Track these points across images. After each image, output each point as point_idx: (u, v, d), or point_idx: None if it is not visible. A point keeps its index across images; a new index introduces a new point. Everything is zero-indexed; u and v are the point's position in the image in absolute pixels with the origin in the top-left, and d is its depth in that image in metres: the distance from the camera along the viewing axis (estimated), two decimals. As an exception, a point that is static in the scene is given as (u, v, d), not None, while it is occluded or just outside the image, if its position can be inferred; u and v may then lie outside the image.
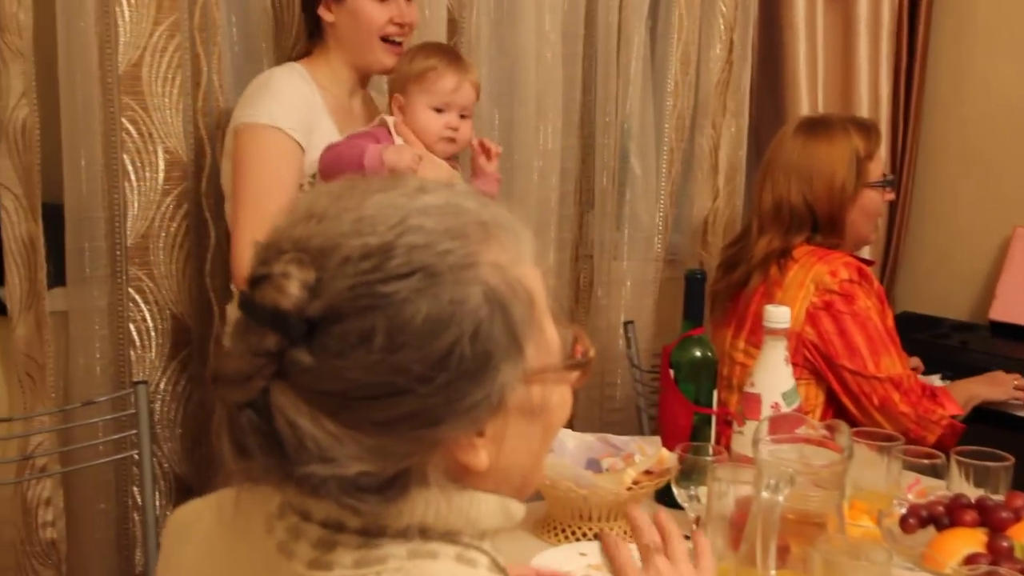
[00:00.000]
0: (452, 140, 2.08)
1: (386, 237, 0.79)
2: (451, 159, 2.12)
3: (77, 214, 2.09)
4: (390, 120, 2.05)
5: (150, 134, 2.13)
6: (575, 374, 0.90)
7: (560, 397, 0.89)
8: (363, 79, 2.18)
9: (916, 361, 2.57)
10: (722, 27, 2.85)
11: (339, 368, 0.78)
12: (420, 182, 0.86)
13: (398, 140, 2.03)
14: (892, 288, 3.18)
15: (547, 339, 0.86)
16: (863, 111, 2.99)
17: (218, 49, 2.20)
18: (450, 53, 2.11)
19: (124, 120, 2.11)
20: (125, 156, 2.11)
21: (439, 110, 2.06)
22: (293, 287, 0.78)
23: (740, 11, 2.88)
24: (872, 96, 3.03)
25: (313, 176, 2.01)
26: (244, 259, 1.94)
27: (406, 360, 0.77)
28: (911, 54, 3.10)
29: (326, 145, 2.00)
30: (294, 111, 2.00)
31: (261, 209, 1.94)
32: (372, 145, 1.95)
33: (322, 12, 2.10)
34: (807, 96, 2.93)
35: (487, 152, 2.15)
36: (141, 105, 2.12)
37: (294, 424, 0.78)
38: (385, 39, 2.10)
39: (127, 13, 2.08)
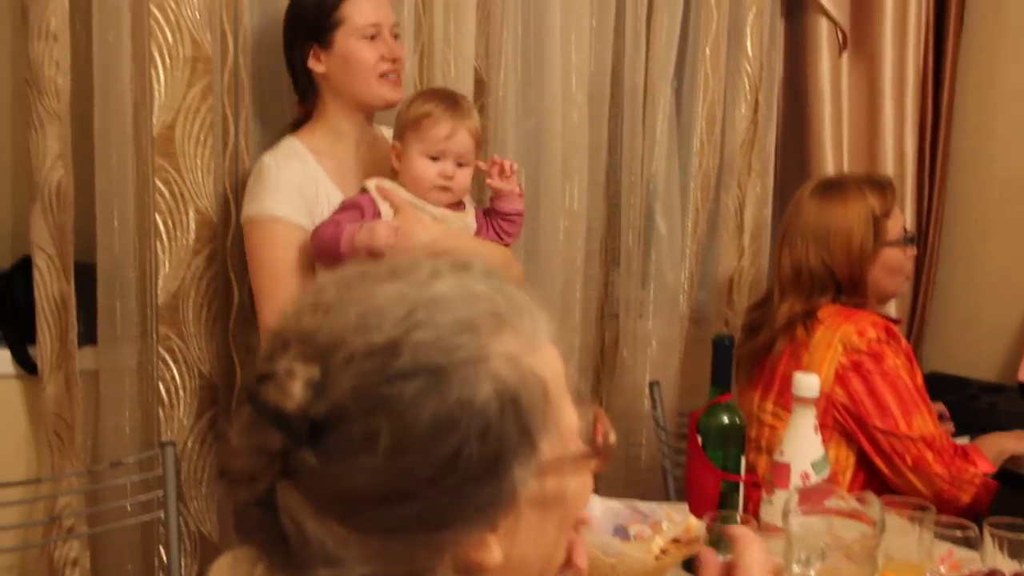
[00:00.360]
0: (447, 189, 2.06)
1: (392, 334, 0.77)
2: (457, 203, 2.11)
3: (109, 273, 2.12)
4: (371, 184, 2.04)
5: (182, 194, 2.16)
6: (594, 462, 0.87)
7: (578, 485, 0.86)
8: (368, 118, 2.18)
9: (940, 407, 2.55)
10: (747, 87, 2.87)
11: (343, 471, 0.76)
12: (433, 267, 0.83)
13: (382, 205, 2.01)
14: (919, 348, 3.16)
15: (563, 427, 0.83)
16: (888, 170, 2.99)
17: (246, 111, 2.24)
18: (448, 99, 2.08)
19: (157, 181, 2.14)
20: (157, 216, 2.14)
21: (434, 158, 2.04)
22: (296, 388, 0.76)
23: (765, 71, 2.90)
24: (897, 155, 3.03)
25: None
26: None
27: (411, 464, 0.75)
28: (936, 113, 3.10)
29: (330, 213, 2.03)
30: (288, 194, 2.03)
31: (278, 300, 2.01)
32: (347, 228, 1.94)
33: (312, 64, 2.12)
34: (832, 155, 2.94)
35: (502, 170, 2.12)
36: (174, 166, 2.15)
37: (300, 525, 0.76)
38: (382, 76, 2.11)
39: (162, 76, 2.12)
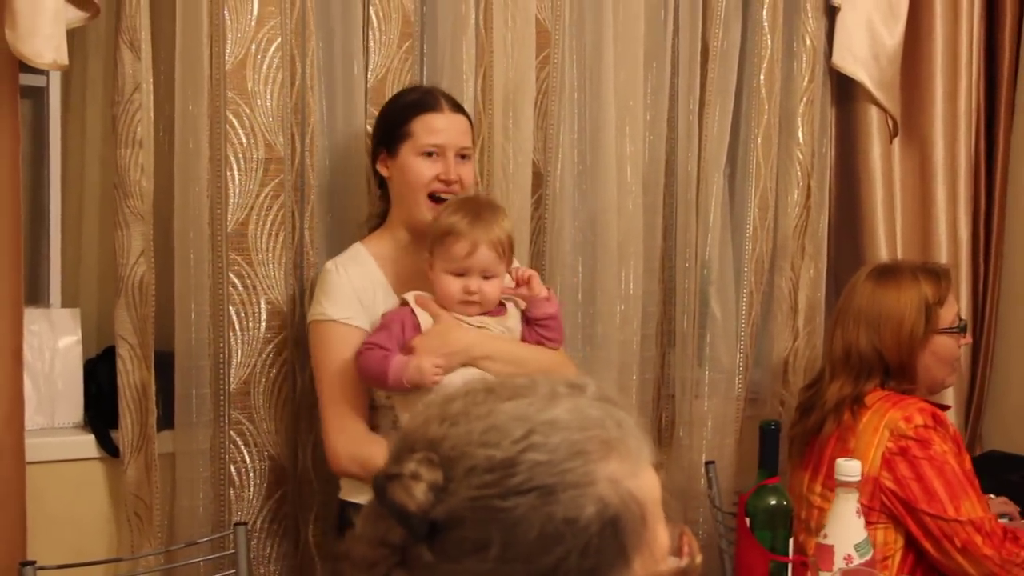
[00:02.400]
0: (473, 303, 2.08)
1: (510, 452, 0.85)
2: (499, 308, 2.13)
3: (186, 362, 2.23)
4: (411, 297, 2.09)
5: (254, 287, 2.29)
6: None
7: None
8: (423, 237, 2.18)
9: (1007, 507, 2.55)
10: (799, 173, 2.94)
11: (455, 570, 0.84)
12: (551, 388, 0.91)
13: (422, 316, 2.07)
14: (978, 427, 3.17)
15: (656, 546, 0.89)
16: (942, 254, 3.03)
17: (311, 206, 2.36)
18: (471, 212, 2.07)
19: (231, 274, 2.27)
20: (231, 307, 2.27)
21: (458, 274, 2.06)
22: (420, 490, 0.85)
23: (817, 158, 2.98)
24: (951, 239, 3.07)
25: None
26: (331, 443, 2.11)
27: (516, 572, 0.83)
28: (989, 197, 3.14)
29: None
30: (345, 299, 2.13)
31: (336, 397, 2.11)
32: (395, 361, 2.00)
33: (379, 167, 2.22)
34: (885, 240, 2.98)
35: (519, 280, 2.14)
36: (247, 260, 2.28)
37: None
38: (432, 196, 2.16)
39: (236, 176, 2.26)
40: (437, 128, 2.17)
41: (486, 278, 2.08)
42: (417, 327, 2.06)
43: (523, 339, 2.16)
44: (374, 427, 2.15)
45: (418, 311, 2.08)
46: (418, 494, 0.85)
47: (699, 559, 0.95)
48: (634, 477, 0.88)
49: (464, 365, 2.06)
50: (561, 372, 2.17)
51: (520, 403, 0.89)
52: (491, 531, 0.83)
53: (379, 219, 2.30)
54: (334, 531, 2.26)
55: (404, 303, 2.10)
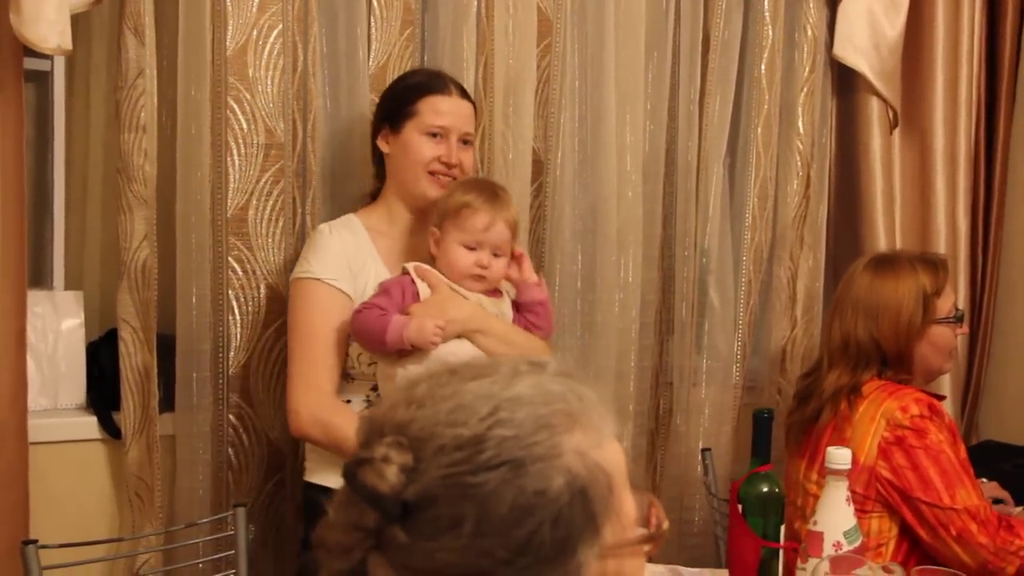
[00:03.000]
0: (482, 277, 2.11)
1: (478, 429, 0.87)
2: (495, 291, 2.17)
3: (187, 345, 2.26)
4: (410, 266, 2.12)
5: (254, 271, 2.31)
6: (648, 545, 0.95)
7: (633, 566, 0.94)
8: (420, 215, 2.24)
9: (999, 491, 2.57)
10: (799, 163, 2.96)
11: (430, 549, 0.85)
12: (513, 367, 0.93)
13: (421, 286, 2.09)
14: (975, 417, 3.19)
15: (623, 514, 0.92)
16: (941, 244, 3.04)
17: (313, 192, 2.38)
18: (487, 190, 2.13)
19: (231, 259, 2.29)
20: (230, 292, 2.29)
21: (471, 247, 2.10)
22: (391, 472, 0.86)
23: (816, 148, 2.99)
24: (950, 230, 3.08)
25: None
26: (293, 402, 2.10)
27: (491, 545, 0.85)
28: (989, 188, 3.15)
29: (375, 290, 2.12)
30: (334, 261, 2.14)
31: (308, 355, 2.10)
32: (394, 320, 2.02)
33: (380, 143, 2.24)
34: (884, 230, 2.99)
35: (518, 261, 2.18)
36: (246, 245, 2.31)
37: None
38: (431, 174, 2.19)
39: (236, 162, 2.28)
40: (443, 111, 2.20)
41: (496, 256, 2.12)
42: (416, 296, 2.09)
43: (513, 323, 2.19)
44: (346, 401, 2.15)
45: (418, 281, 2.10)
46: (390, 476, 0.86)
47: (666, 525, 0.97)
48: (599, 448, 0.90)
49: (459, 337, 2.07)
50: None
51: (484, 382, 0.91)
52: (464, 507, 0.85)
53: (371, 197, 2.32)
54: (299, 514, 2.29)
55: (405, 272, 2.12)
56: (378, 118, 2.27)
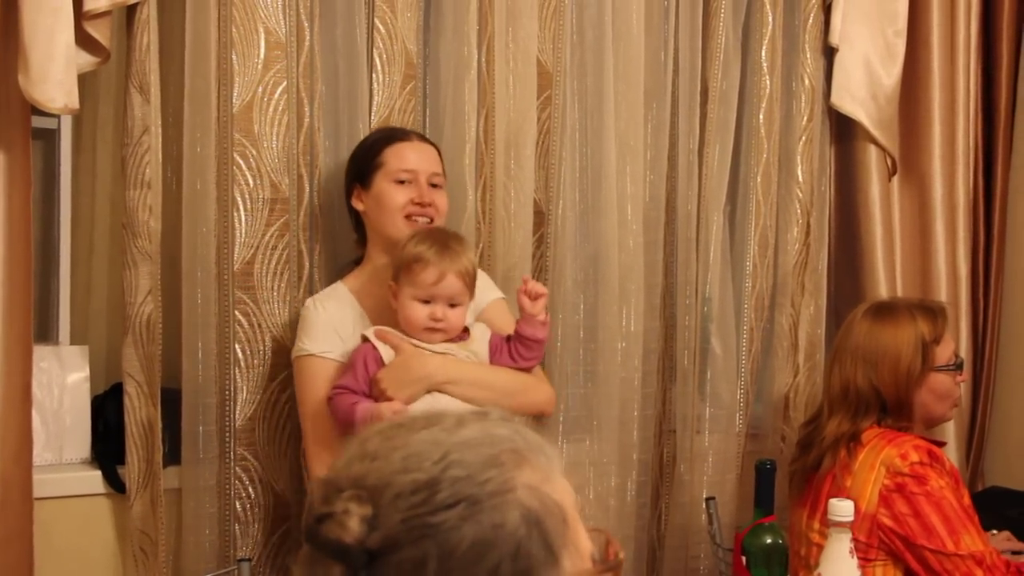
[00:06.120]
0: (437, 330, 2.12)
1: (432, 472, 0.89)
2: (462, 332, 2.17)
3: (193, 399, 2.27)
4: (370, 333, 2.14)
5: (259, 325, 2.33)
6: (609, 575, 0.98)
7: None
8: None
9: (1014, 543, 2.56)
10: (798, 211, 2.98)
11: None
12: (457, 417, 0.97)
13: (383, 350, 2.11)
14: (980, 463, 3.18)
15: (580, 546, 0.94)
16: (942, 291, 3.06)
17: (319, 246, 2.41)
18: (439, 242, 2.13)
19: (237, 313, 2.31)
20: (237, 345, 2.31)
21: (425, 301, 2.11)
22: (353, 523, 0.88)
23: (816, 195, 3.01)
24: (951, 276, 3.09)
25: None
26: (314, 472, 2.14)
27: None
28: (988, 233, 3.17)
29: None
30: (322, 334, 2.19)
31: (320, 429, 2.14)
32: (359, 410, 2.04)
33: (354, 203, 2.28)
34: (885, 276, 3.01)
35: (530, 293, 2.18)
36: (252, 299, 2.32)
37: None
38: (408, 217, 2.22)
39: (243, 216, 2.31)
40: (407, 155, 2.25)
41: (452, 306, 2.13)
42: (380, 361, 2.10)
43: (493, 357, 2.20)
44: None
45: (379, 345, 2.12)
46: (353, 527, 0.88)
47: (622, 556, 1.00)
48: (549, 483, 0.93)
49: (429, 391, 2.09)
50: (528, 393, 2.22)
51: (432, 431, 0.94)
52: (426, 547, 0.87)
53: (356, 263, 2.35)
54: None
55: (365, 340, 2.14)
56: (348, 181, 2.31)
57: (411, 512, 0.88)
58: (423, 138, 2.34)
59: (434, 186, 2.26)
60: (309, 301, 2.25)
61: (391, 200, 2.22)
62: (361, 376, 2.09)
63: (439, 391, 2.09)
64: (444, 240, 2.14)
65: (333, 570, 0.89)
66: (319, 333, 2.19)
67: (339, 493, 0.91)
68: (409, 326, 2.13)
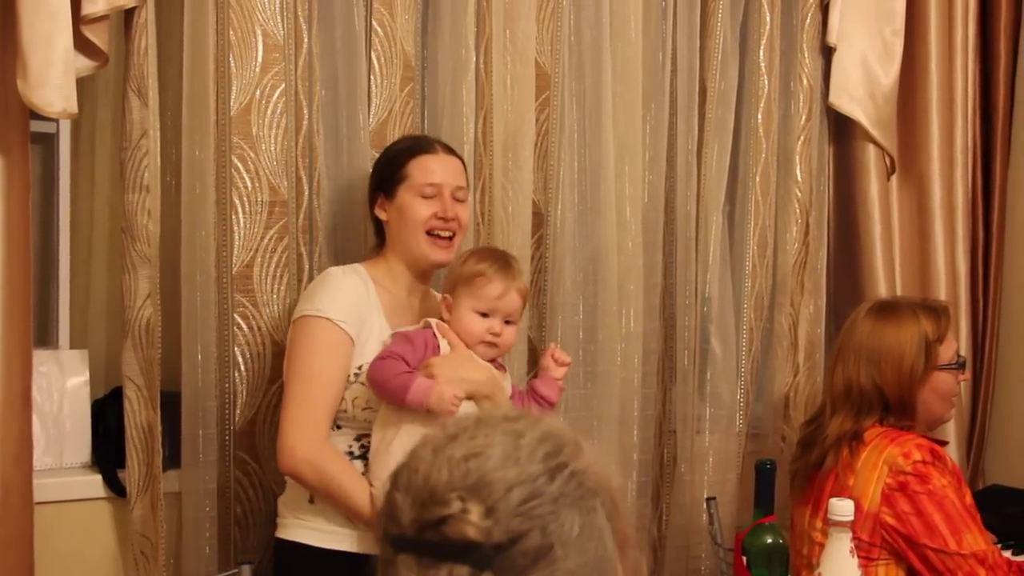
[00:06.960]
0: (494, 344, 2.14)
1: (532, 464, 0.94)
2: (496, 361, 2.18)
3: (192, 402, 2.26)
4: (434, 323, 2.13)
5: (259, 328, 2.33)
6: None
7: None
8: (421, 276, 2.27)
9: None
10: (797, 211, 2.98)
11: None
12: (521, 413, 1.03)
13: (442, 341, 2.10)
14: (980, 462, 3.18)
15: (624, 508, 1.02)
16: (941, 290, 3.06)
17: (319, 249, 2.40)
18: (501, 260, 2.17)
19: (236, 316, 2.31)
20: (236, 349, 2.31)
21: (484, 314, 2.12)
22: (476, 520, 0.91)
23: (814, 195, 3.02)
24: (950, 275, 3.10)
25: (360, 367, 2.10)
26: (289, 438, 2.05)
27: (574, 566, 0.93)
28: (987, 232, 3.17)
29: (377, 341, 2.12)
30: (345, 304, 2.12)
31: (309, 394, 2.07)
32: (419, 381, 2.00)
33: (377, 211, 2.26)
34: (884, 275, 3.01)
35: (558, 360, 2.22)
36: (251, 302, 2.32)
37: None
38: (430, 233, 2.21)
39: (241, 219, 2.31)
40: (433, 168, 2.22)
41: (507, 323, 2.15)
42: (437, 350, 2.10)
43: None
44: None
45: (439, 337, 2.12)
46: (476, 523, 0.91)
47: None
48: (598, 463, 1.00)
49: (471, 398, 2.08)
50: None
51: (511, 425, 0.98)
52: (548, 536, 0.92)
53: (374, 252, 2.33)
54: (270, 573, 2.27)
55: (426, 326, 2.13)
56: (372, 188, 2.30)
57: (525, 505, 0.92)
58: (449, 149, 2.30)
59: (457, 200, 2.25)
60: (335, 268, 2.21)
61: (415, 214, 2.20)
62: (419, 354, 2.06)
63: (476, 402, 2.08)
64: (506, 258, 2.19)
65: (458, 571, 0.91)
66: (341, 301, 2.13)
67: (446, 496, 0.93)
68: (466, 337, 2.12)
